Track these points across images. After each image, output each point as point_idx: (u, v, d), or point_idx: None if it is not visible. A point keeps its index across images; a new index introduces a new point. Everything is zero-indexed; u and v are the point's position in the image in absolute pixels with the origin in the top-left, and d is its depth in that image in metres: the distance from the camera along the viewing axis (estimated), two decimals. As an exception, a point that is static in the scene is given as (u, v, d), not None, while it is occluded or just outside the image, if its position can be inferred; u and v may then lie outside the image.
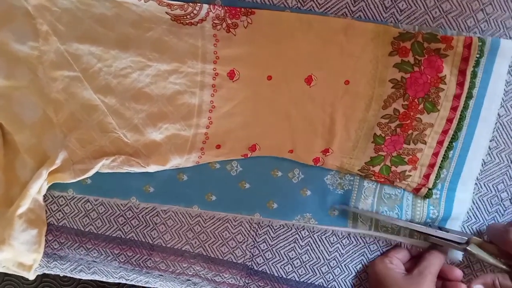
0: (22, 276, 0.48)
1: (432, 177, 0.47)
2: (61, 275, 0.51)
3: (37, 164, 0.46)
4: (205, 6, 0.43)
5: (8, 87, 0.44)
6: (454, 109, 0.45)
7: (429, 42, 0.43)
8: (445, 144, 0.46)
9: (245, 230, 0.48)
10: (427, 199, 0.48)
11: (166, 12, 0.43)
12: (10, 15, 0.43)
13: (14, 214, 0.44)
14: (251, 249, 0.48)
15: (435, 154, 0.46)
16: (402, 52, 0.44)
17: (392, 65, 0.44)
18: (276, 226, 0.48)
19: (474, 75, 0.43)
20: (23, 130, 0.46)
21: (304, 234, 0.48)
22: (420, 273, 0.43)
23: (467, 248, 0.43)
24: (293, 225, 0.48)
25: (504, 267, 0.43)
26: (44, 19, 0.43)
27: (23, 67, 0.44)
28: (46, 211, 0.47)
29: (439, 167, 0.46)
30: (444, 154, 0.46)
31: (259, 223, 0.48)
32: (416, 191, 0.48)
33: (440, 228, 0.46)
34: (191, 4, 0.42)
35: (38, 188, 0.44)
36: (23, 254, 0.47)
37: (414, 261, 0.46)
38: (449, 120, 0.45)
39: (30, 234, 0.46)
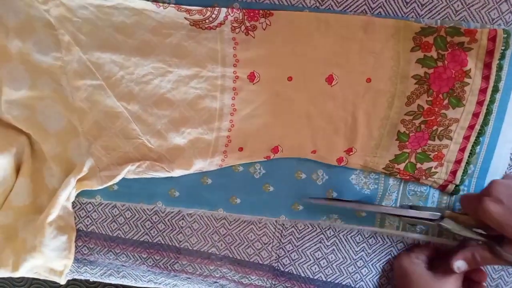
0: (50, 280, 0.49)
1: (459, 173, 0.46)
2: (90, 280, 0.52)
3: (63, 172, 0.48)
4: (224, 10, 0.43)
5: (32, 97, 0.46)
6: (480, 103, 0.44)
7: (452, 36, 0.42)
8: (472, 139, 0.45)
9: (270, 232, 0.48)
10: (454, 196, 0.47)
11: (185, 18, 0.43)
12: (31, 26, 0.44)
13: (45, 221, 0.45)
14: (277, 250, 0.48)
15: (462, 150, 0.45)
16: (424, 47, 0.43)
17: (414, 60, 0.43)
18: (301, 226, 0.48)
19: (499, 68, 0.42)
20: (48, 139, 0.47)
21: (330, 234, 0.47)
22: (446, 270, 0.43)
23: (441, 223, 0.41)
24: (318, 225, 0.47)
25: (480, 238, 0.41)
26: (65, 29, 0.44)
27: (46, 78, 0.45)
28: (74, 217, 0.49)
29: (466, 162, 0.45)
30: (471, 150, 0.45)
31: (283, 224, 0.48)
32: (442, 188, 0.47)
33: (412, 207, 0.45)
34: (209, 8, 0.43)
35: (67, 195, 0.45)
36: (54, 260, 0.48)
37: (441, 259, 0.46)
38: (475, 115, 0.44)
39: (60, 240, 0.47)
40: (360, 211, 0.47)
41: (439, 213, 0.43)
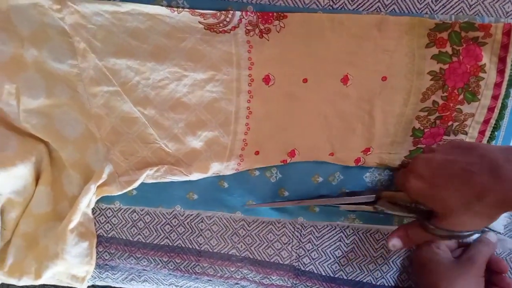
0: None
1: (476, 168, 0.46)
2: (112, 286, 0.52)
3: (82, 178, 0.48)
4: (238, 13, 0.43)
5: (49, 105, 0.46)
6: (495, 97, 0.44)
7: (467, 31, 0.42)
8: (487, 133, 0.46)
9: (289, 232, 0.48)
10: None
11: (199, 22, 0.43)
12: (46, 35, 0.44)
13: (66, 228, 0.45)
14: (296, 249, 0.48)
15: (478, 145, 0.45)
16: (439, 43, 0.43)
17: (429, 57, 0.43)
18: (320, 226, 0.48)
19: (515, 61, 0.42)
20: (67, 146, 0.47)
21: (349, 232, 0.48)
22: (469, 260, 0.42)
23: (375, 205, 0.41)
24: (337, 224, 0.48)
25: (411, 215, 0.41)
26: (81, 36, 0.44)
27: (63, 85, 0.45)
28: (94, 223, 0.49)
29: (483, 157, 0.46)
30: (487, 144, 0.45)
31: (302, 224, 0.48)
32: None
33: (349, 194, 0.45)
34: (223, 12, 0.43)
35: (87, 202, 0.46)
36: (75, 266, 0.48)
37: (462, 250, 0.45)
38: (491, 109, 0.45)
39: (82, 247, 0.48)
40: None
41: (374, 195, 0.42)
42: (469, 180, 0.35)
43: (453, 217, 0.36)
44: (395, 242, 0.42)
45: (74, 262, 0.47)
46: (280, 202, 0.47)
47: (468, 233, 0.38)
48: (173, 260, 0.49)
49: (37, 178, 0.48)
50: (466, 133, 0.45)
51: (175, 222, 0.49)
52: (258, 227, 0.48)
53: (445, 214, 0.37)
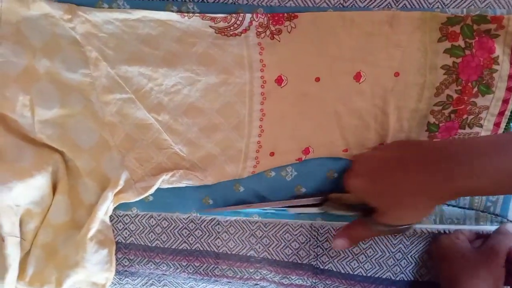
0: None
1: (492, 160, 0.46)
2: None
3: (99, 186, 0.48)
4: (248, 15, 0.43)
5: (64, 115, 0.46)
6: (509, 89, 0.44)
7: (479, 24, 0.42)
8: (502, 125, 0.45)
9: (306, 231, 0.48)
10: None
11: (210, 26, 0.43)
12: (58, 45, 0.44)
13: (86, 237, 0.46)
14: (314, 248, 0.49)
15: (494, 137, 0.45)
16: (451, 37, 0.43)
17: (442, 51, 0.43)
18: (337, 225, 0.48)
19: (528, 52, 0.42)
20: (82, 155, 0.47)
21: (366, 229, 0.48)
22: (490, 250, 0.42)
23: (322, 206, 0.42)
24: (355, 221, 0.48)
25: (355, 213, 0.42)
26: (92, 45, 0.44)
27: (76, 95, 0.46)
28: (113, 230, 0.49)
29: (499, 149, 0.45)
30: (503, 136, 0.45)
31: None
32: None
33: (298, 197, 0.46)
34: (234, 15, 0.43)
35: (105, 210, 0.46)
36: (96, 274, 0.48)
37: (482, 241, 0.45)
38: (505, 101, 0.44)
39: (101, 254, 0.48)
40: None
41: (320, 197, 0.42)
42: (404, 175, 0.35)
43: (390, 212, 0.37)
44: (338, 242, 0.42)
45: (94, 270, 0.48)
46: (237, 206, 0.47)
47: (405, 226, 0.38)
48: (192, 264, 0.50)
49: (54, 188, 0.48)
50: (481, 126, 0.45)
51: (192, 226, 0.49)
52: (275, 227, 0.49)
53: (383, 209, 0.37)
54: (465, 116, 0.45)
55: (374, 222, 0.38)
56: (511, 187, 0.32)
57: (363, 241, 0.48)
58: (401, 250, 0.48)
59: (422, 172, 0.35)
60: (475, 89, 0.44)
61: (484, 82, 0.44)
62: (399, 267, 0.48)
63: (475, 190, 0.34)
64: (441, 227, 0.46)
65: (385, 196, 0.36)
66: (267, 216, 0.48)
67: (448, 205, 0.47)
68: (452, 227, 0.46)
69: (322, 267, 0.49)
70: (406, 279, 0.48)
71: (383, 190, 0.37)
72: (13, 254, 0.45)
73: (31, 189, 0.45)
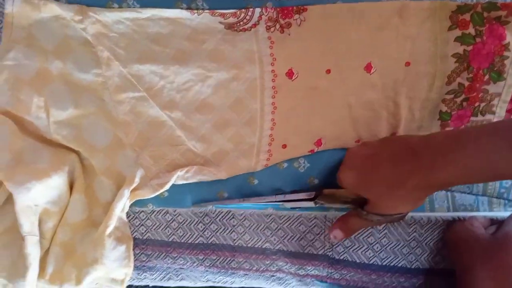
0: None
1: (505, 147, 0.46)
2: (150, 285, 0.53)
3: (114, 184, 0.49)
4: (257, 10, 0.43)
5: (78, 116, 0.47)
6: (521, 75, 0.44)
7: (489, 11, 0.42)
8: (515, 111, 0.45)
9: (321, 222, 0.49)
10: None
11: (220, 22, 0.44)
12: (69, 46, 0.45)
13: (104, 234, 0.46)
14: (329, 239, 0.49)
15: (506, 124, 0.45)
16: (462, 25, 0.43)
17: (452, 39, 0.43)
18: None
19: (539, 38, 0.42)
20: (97, 154, 0.48)
21: (380, 218, 0.48)
22: (505, 235, 0.42)
23: (316, 200, 0.42)
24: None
25: (348, 206, 0.43)
26: (103, 45, 0.45)
27: (89, 95, 0.46)
28: (129, 226, 0.50)
29: (511, 135, 0.45)
30: (516, 122, 0.45)
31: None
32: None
33: (292, 192, 0.47)
34: (243, 10, 0.43)
35: (122, 207, 0.47)
36: (115, 270, 0.49)
37: (496, 227, 0.45)
38: (517, 87, 0.44)
39: (120, 250, 0.49)
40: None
41: (313, 192, 0.43)
42: (392, 167, 0.37)
43: (380, 202, 0.38)
44: (336, 233, 0.43)
45: (113, 266, 0.49)
46: (222, 200, 0.48)
47: (397, 215, 0.39)
48: (208, 257, 0.50)
49: (70, 187, 0.48)
50: (493, 113, 0.45)
51: (207, 220, 0.50)
52: (289, 219, 0.49)
53: (374, 200, 0.39)
54: (477, 104, 0.45)
55: (366, 212, 0.40)
56: (489, 174, 0.33)
57: (360, 232, 0.49)
58: (415, 239, 0.48)
59: (407, 164, 0.36)
60: (487, 77, 0.44)
61: (495, 69, 0.44)
62: (414, 255, 0.48)
63: (459, 180, 0.35)
64: (455, 214, 0.47)
65: (375, 187, 0.38)
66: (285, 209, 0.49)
67: (461, 192, 0.47)
68: (466, 214, 0.47)
69: (337, 257, 0.49)
70: (421, 267, 0.48)
71: (373, 182, 0.38)
72: (33, 253, 0.45)
73: (49, 189, 0.45)
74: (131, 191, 0.47)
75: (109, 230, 0.47)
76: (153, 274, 0.52)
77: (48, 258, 0.49)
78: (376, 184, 0.38)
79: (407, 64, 0.44)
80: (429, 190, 0.37)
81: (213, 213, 0.50)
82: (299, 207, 0.48)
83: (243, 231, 0.50)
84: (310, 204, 0.43)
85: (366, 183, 0.39)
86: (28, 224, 0.45)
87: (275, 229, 0.49)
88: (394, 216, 0.39)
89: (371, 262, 0.49)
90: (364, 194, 0.39)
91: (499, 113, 0.45)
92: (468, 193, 0.47)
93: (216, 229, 0.50)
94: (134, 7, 0.44)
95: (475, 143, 0.33)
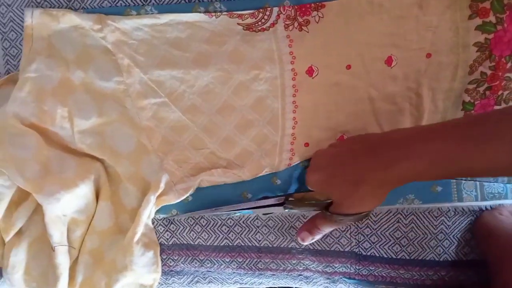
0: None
1: (531, 134, 0.45)
2: None
3: (139, 191, 0.49)
4: (275, 9, 0.43)
5: (101, 124, 0.47)
6: (544, 60, 0.43)
7: (509, -2, 0.41)
8: (539, 97, 0.45)
9: (347, 219, 0.49)
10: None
11: (238, 23, 0.44)
12: (90, 55, 0.45)
13: (132, 241, 0.47)
14: (355, 235, 0.49)
15: (531, 110, 0.45)
16: (482, 13, 0.42)
17: (473, 28, 0.43)
18: (376, 209, 0.48)
19: (561, 22, 0.41)
20: (121, 161, 0.48)
21: (407, 212, 0.48)
22: None
23: (285, 205, 0.43)
24: (396, 208, 0.48)
25: (314, 208, 0.42)
26: (123, 53, 0.45)
27: (111, 103, 0.46)
28: (155, 232, 0.50)
29: (538, 122, 0.45)
30: (542, 109, 0.45)
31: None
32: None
33: (263, 198, 0.47)
34: (261, 10, 0.43)
35: (148, 213, 0.47)
36: (143, 276, 0.49)
37: None
38: (541, 73, 0.44)
39: (148, 256, 0.49)
40: (436, 187, 0.47)
41: (283, 197, 0.44)
42: (352, 167, 0.37)
43: (344, 201, 0.38)
44: (303, 235, 0.43)
45: (142, 272, 0.49)
46: (205, 210, 0.48)
47: (361, 214, 0.39)
48: (235, 260, 0.50)
49: (96, 195, 0.49)
50: (517, 101, 0.45)
51: (230, 222, 0.50)
52: (315, 218, 0.49)
53: (337, 200, 0.38)
54: (500, 92, 0.45)
55: (331, 212, 0.40)
56: (447, 170, 0.33)
57: (385, 227, 0.48)
58: (443, 231, 0.48)
59: (366, 162, 0.36)
60: (509, 64, 0.43)
61: (518, 56, 0.43)
62: (442, 247, 0.48)
63: (416, 175, 0.34)
64: (483, 203, 0.46)
65: (337, 187, 0.38)
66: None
67: (488, 182, 0.46)
68: (495, 202, 0.46)
69: (364, 253, 0.49)
70: (450, 259, 0.48)
71: (335, 182, 0.38)
72: (64, 263, 0.46)
73: (76, 198, 0.46)
74: (157, 197, 0.47)
75: (137, 237, 0.47)
76: (181, 278, 0.52)
77: (78, 267, 0.49)
78: (339, 184, 0.37)
79: (428, 55, 0.44)
80: (389, 186, 0.36)
81: (237, 216, 0.50)
82: (271, 213, 0.48)
83: (268, 232, 0.50)
84: (280, 209, 0.43)
85: (330, 183, 0.39)
86: (58, 234, 0.45)
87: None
88: (358, 215, 0.39)
89: (398, 256, 0.48)
90: (329, 195, 0.39)
91: (523, 101, 0.45)
92: (494, 182, 0.46)
93: (241, 231, 0.50)
94: (152, 13, 0.44)
95: (440, 139, 0.32)
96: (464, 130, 0.32)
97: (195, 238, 0.50)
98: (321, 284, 0.52)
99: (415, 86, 0.45)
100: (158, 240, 0.51)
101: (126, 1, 0.45)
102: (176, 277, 0.52)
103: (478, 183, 0.46)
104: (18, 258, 0.47)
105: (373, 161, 0.35)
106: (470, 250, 0.48)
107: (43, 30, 0.44)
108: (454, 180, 0.46)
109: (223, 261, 0.50)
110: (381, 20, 0.43)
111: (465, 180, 0.46)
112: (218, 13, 0.43)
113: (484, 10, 0.42)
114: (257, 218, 0.50)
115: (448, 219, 0.47)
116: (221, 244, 0.50)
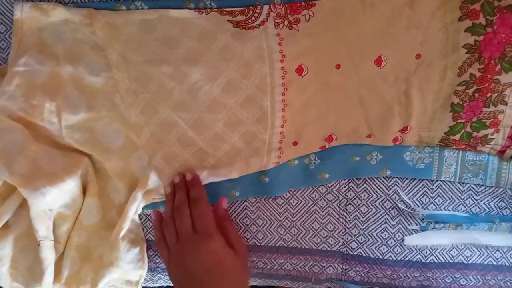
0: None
1: (518, 137, 0.46)
2: (165, 286, 0.53)
3: (128, 187, 0.49)
4: (265, 7, 0.43)
5: (90, 119, 0.47)
6: (533, 63, 0.43)
7: (500, 0, 0.41)
8: (528, 101, 0.45)
9: (334, 219, 0.49)
10: (513, 161, 0.47)
11: (228, 20, 0.43)
12: (79, 50, 0.45)
13: (118, 237, 0.47)
14: (343, 235, 0.49)
15: (519, 114, 0.45)
16: (472, 15, 0.42)
17: (463, 30, 0.43)
18: (364, 210, 0.48)
19: (550, 26, 0.41)
20: (110, 156, 0.48)
21: (394, 213, 0.48)
22: None
23: None
24: (382, 206, 0.48)
25: None
26: (113, 48, 0.45)
27: (100, 98, 0.46)
28: (142, 229, 0.50)
29: (524, 126, 0.45)
30: (528, 112, 0.45)
31: (346, 209, 0.48)
32: (501, 153, 0.47)
33: None
34: (251, 7, 0.43)
35: (135, 209, 0.47)
36: (129, 272, 0.49)
37: None
38: (530, 76, 0.44)
39: (134, 252, 0.49)
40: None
41: None
42: None
43: None
44: None
45: (128, 268, 0.49)
46: None
47: None
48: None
49: (84, 191, 0.49)
50: (506, 103, 0.45)
51: (220, 220, 0.50)
52: (302, 217, 0.49)
53: None
54: (489, 95, 0.45)
55: None
56: None
57: (374, 228, 0.48)
58: (430, 233, 0.48)
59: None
60: (498, 66, 0.43)
61: (507, 58, 0.43)
62: (429, 249, 0.48)
63: None
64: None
65: None
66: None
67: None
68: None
69: (351, 253, 0.49)
70: (436, 261, 0.48)
71: None
72: (49, 257, 0.46)
73: (63, 193, 0.46)
74: (145, 194, 0.47)
75: (123, 232, 0.47)
76: (167, 275, 0.52)
77: (63, 262, 0.49)
78: None
79: (418, 56, 0.44)
80: None
81: (226, 213, 0.49)
82: None
83: (257, 230, 0.50)
84: None
85: None
86: (44, 229, 0.45)
87: (289, 227, 0.49)
88: None
89: (385, 257, 0.49)
90: None
91: (511, 103, 0.45)
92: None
93: (230, 228, 0.50)
94: (142, 9, 0.44)
95: None
96: None
97: (182, 235, 0.50)
98: (307, 285, 0.52)
99: (404, 87, 0.45)
100: (146, 236, 0.50)
101: (116, -4, 0.45)
102: (162, 273, 0.52)
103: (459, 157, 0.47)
104: (4, 252, 0.47)
105: None
106: (458, 253, 0.48)
107: (33, 24, 0.44)
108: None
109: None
110: (372, 20, 0.43)
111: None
112: (208, 10, 0.43)
113: (474, 12, 0.42)
114: (246, 217, 0.50)
115: (436, 222, 0.47)
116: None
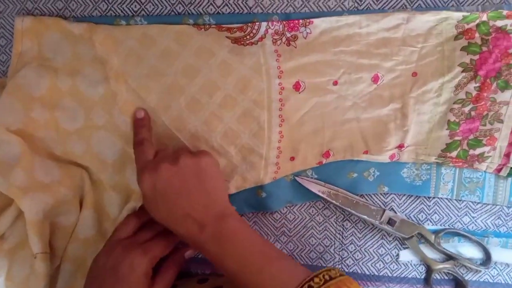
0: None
1: (514, 155, 0.46)
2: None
3: (123, 199, 0.49)
4: (264, 23, 0.43)
5: (87, 131, 0.47)
6: (529, 83, 0.44)
7: (495, 20, 0.42)
8: (523, 119, 0.45)
9: (331, 234, 0.49)
10: (510, 179, 0.47)
11: (227, 37, 0.44)
12: (79, 63, 0.45)
13: (113, 250, 0.46)
14: (339, 252, 0.49)
15: (514, 132, 0.45)
16: (468, 35, 0.43)
17: (459, 49, 0.43)
18: (361, 226, 0.48)
19: (545, 46, 0.42)
20: (106, 169, 0.48)
21: (391, 229, 0.48)
22: None
23: None
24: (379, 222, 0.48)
25: None
26: (112, 62, 0.45)
27: (98, 110, 0.47)
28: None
29: (520, 144, 0.45)
30: (524, 131, 0.45)
31: (343, 225, 0.48)
32: (497, 171, 0.47)
33: None
34: (249, 24, 0.43)
35: (131, 222, 0.47)
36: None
37: None
38: (525, 95, 0.44)
39: (129, 266, 0.48)
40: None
41: None
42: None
43: None
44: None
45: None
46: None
47: None
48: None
49: (80, 203, 0.49)
50: (502, 121, 0.45)
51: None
52: (299, 232, 0.49)
53: None
54: (485, 113, 0.45)
55: None
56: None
57: (370, 244, 0.48)
58: (426, 250, 0.48)
59: None
60: (494, 85, 0.44)
61: (502, 77, 0.43)
62: (424, 266, 0.48)
63: None
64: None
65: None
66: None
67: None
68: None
69: (347, 270, 0.49)
70: (432, 278, 0.48)
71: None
72: (45, 270, 0.45)
73: (59, 205, 0.46)
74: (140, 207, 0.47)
75: (118, 245, 0.46)
76: None
77: (60, 274, 0.49)
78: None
79: (414, 74, 0.44)
80: None
81: (222, 227, 0.49)
82: None
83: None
84: None
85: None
86: (40, 241, 0.45)
87: (285, 242, 0.49)
88: None
89: (381, 274, 0.48)
90: None
91: (507, 122, 0.45)
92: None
93: (226, 242, 0.49)
94: (141, 24, 0.44)
95: None
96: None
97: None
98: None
99: (400, 104, 0.45)
100: (141, 249, 0.50)
101: (116, 11, 0.45)
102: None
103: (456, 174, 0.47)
104: (0, 264, 0.46)
105: None
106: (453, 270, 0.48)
107: (33, 37, 0.45)
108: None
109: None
110: (368, 39, 0.43)
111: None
112: (207, 26, 0.43)
113: (470, 32, 0.43)
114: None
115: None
116: (199, 256, 0.50)
